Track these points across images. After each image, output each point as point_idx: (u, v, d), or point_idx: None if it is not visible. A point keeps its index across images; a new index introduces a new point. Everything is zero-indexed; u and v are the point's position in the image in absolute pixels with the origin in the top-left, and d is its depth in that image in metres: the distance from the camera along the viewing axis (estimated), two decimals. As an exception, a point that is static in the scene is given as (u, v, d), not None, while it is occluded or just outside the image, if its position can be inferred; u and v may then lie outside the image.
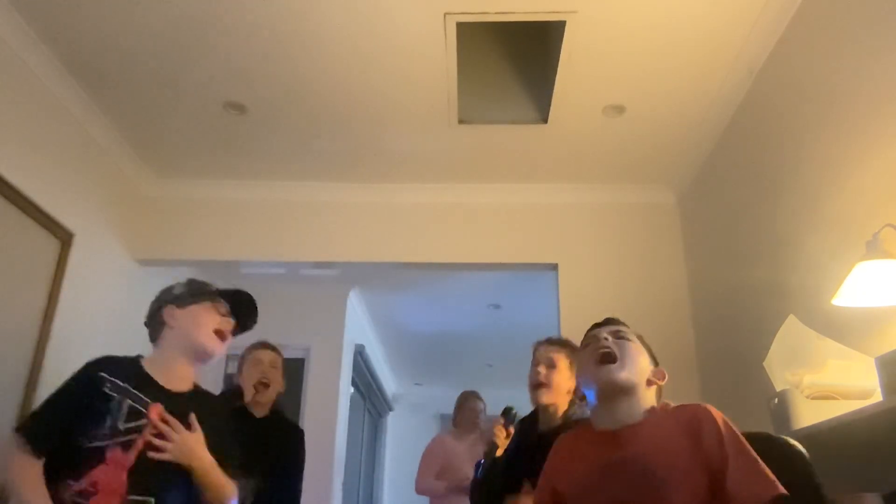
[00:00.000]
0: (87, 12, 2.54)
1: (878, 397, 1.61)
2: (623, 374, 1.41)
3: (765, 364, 2.22)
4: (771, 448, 1.40)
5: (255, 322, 2.04)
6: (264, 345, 2.75)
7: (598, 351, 1.45)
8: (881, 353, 1.59)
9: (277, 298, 4.71)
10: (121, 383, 1.74)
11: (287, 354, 4.78)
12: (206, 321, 1.90)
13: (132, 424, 1.69)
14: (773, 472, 1.24)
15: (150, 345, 1.94)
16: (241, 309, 2.00)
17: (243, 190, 3.80)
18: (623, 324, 1.57)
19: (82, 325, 3.09)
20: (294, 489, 2.64)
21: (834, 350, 1.92)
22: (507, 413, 2.42)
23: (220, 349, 1.91)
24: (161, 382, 1.82)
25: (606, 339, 1.47)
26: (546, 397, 2.12)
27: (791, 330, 2.15)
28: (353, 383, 5.55)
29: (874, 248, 1.68)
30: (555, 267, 3.65)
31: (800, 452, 1.43)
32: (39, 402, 2.74)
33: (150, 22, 2.58)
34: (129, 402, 1.72)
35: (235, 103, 3.08)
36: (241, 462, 2.00)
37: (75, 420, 1.67)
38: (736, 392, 2.87)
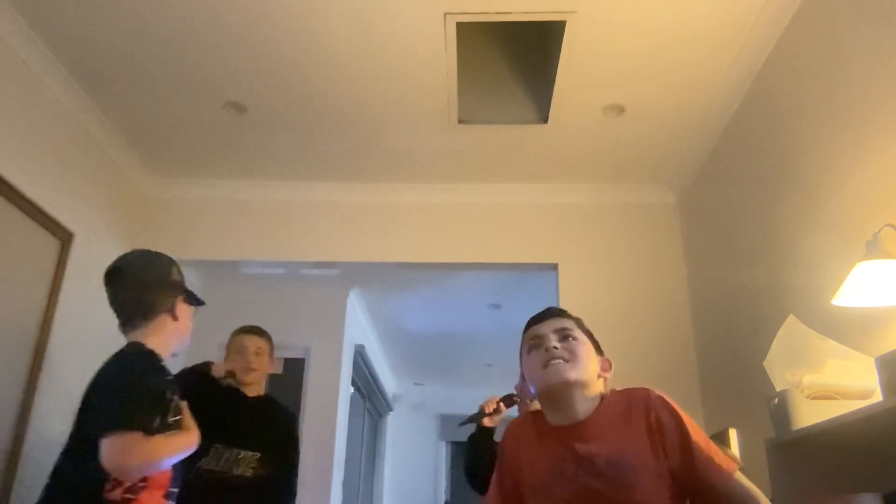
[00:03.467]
0: (87, 13, 2.54)
1: (878, 397, 1.61)
2: (575, 374, 1.39)
3: (765, 364, 2.22)
4: None
5: None
6: (250, 329, 2.70)
7: (548, 363, 1.42)
8: (881, 353, 1.58)
9: (277, 298, 4.73)
10: (171, 378, 1.75)
11: (287, 354, 4.84)
12: (191, 325, 1.95)
13: (175, 418, 1.71)
14: None
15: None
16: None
17: (243, 190, 3.80)
18: (565, 315, 1.52)
19: (82, 325, 3.09)
20: (292, 466, 2.65)
21: (834, 350, 1.92)
22: (509, 397, 2.46)
23: None
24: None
25: (556, 347, 1.43)
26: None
27: (791, 330, 2.15)
28: (353, 383, 5.55)
29: (874, 248, 1.68)
30: (555, 267, 3.65)
31: None
32: (45, 395, 2.76)
33: (150, 22, 2.58)
34: (175, 396, 1.74)
35: (235, 103, 3.08)
36: (234, 436, 2.25)
37: (151, 411, 1.64)
38: (736, 392, 2.87)
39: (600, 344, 1.52)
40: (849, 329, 1.91)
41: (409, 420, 8.35)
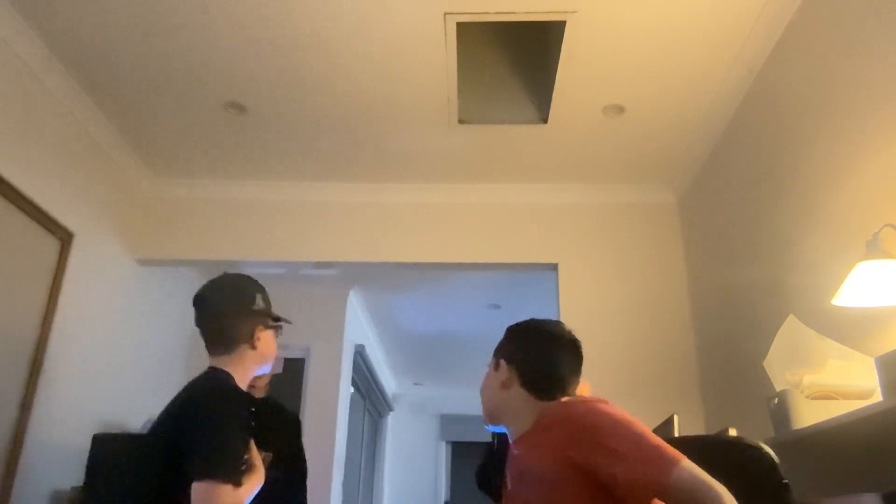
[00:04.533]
0: (87, 12, 2.54)
1: (878, 397, 1.61)
2: (483, 412, 1.53)
3: (765, 364, 2.22)
4: (736, 451, 1.44)
5: None
6: None
7: None
8: (881, 353, 1.58)
9: (277, 298, 4.69)
10: (250, 420, 1.72)
11: (287, 354, 4.83)
12: (275, 347, 1.93)
13: (247, 456, 1.68)
14: (738, 474, 1.23)
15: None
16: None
17: (243, 190, 3.80)
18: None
19: (82, 325, 3.09)
20: (303, 466, 2.66)
21: (834, 350, 1.92)
22: None
23: None
24: None
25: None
26: None
27: (791, 330, 2.15)
28: (353, 383, 5.55)
29: (874, 248, 1.68)
30: (555, 267, 3.66)
31: (765, 454, 1.42)
32: (45, 395, 2.75)
33: (150, 22, 2.58)
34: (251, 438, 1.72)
35: (235, 103, 3.08)
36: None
37: (242, 454, 1.62)
38: (736, 392, 2.87)
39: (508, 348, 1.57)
40: (849, 329, 1.91)
41: (409, 420, 8.36)
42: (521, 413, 1.45)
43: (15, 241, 2.69)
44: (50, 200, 2.86)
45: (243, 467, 1.61)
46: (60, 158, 2.99)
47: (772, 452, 1.43)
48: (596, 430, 1.26)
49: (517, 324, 1.62)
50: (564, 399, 1.42)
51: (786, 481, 1.38)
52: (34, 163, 2.78)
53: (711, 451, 1.34)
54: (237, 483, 1.57)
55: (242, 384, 1.82)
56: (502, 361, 1.53)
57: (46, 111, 2.88)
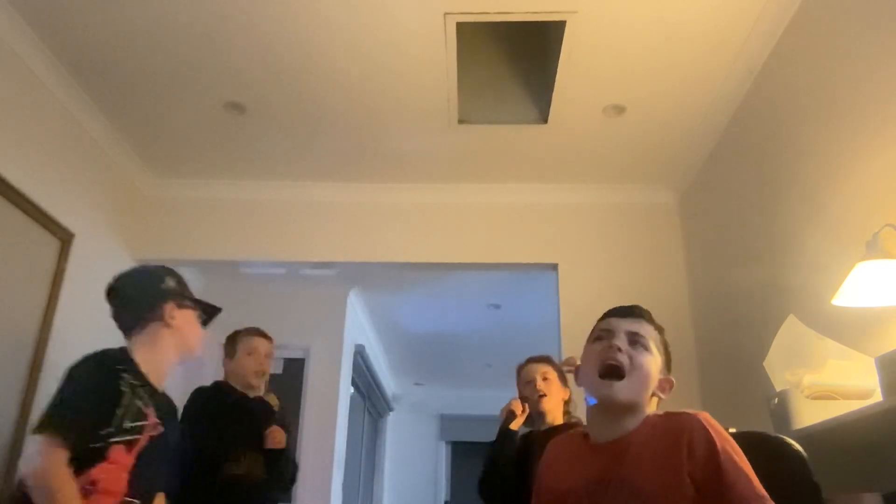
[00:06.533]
0: (87, 13, 2.54)
1: (878, 397, 1.62)
2: (625, 396, 1.29)
3: (765, 364, 2.22)
4: (767, 448, 1.38)
5: None
6: (259, 332, 2.74)
7: (605, 361, 1.31)
8: (881, 353, 1.59)
9: (277, 298, 4.72)
10: (132, 381, 1.71)
11: (287, 354, 4.83)
12: (198, 327, 1.93)
13: (137, 424, 1.67)
14: (769, 472, 1.19)
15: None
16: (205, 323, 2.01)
17: (243, 190, 3.80)
18: (647, 318, 1.39)
19: (82, 325, 3.09)
20: (294, 463, 2.74)
21: (834, 350, 1.92)
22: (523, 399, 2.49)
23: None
24: (153, 382, 1.80)
25: (619, 348, 1.31)
26: (547, 404, 2.38)
27: (791, 330, 2.15)
28: (353, 383, 5.55)
29: (874, 248, 1.68)
30: (555, 267, 3.65)
31: (797, 452, 1.39)
32: (45, 395, 2.76)
33: (150, 22, 2.58)
34: (137, 400, 1.70)
35: (235, 103, 3.08)
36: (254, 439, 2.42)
37: (93, 414, 1.62)
38: (736, 392, 2.87)
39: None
40: (849, 329, 1.91)
41: (409, 420, 8.35)
42: (634, 421, 1.29)
43: (15, 241, 2.69)
44: (50, 200, 2.86)
45: (109, 430, 1.59)
46: (60, 158, 2.99)
47: (800, 448, 1.38)
48: (718, 454, 1.17)
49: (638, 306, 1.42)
50: (677, 411, 1.28)
51: (816, 480, 1.32)
52: (34, 163, 2.78)
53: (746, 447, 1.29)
54: (68, 439, 1.54)
55: (159, 365, 1.81)
56: (654, 346, 1.34)
57: (47, 111, 2.88)
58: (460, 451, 8.50)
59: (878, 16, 1.87)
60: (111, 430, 1.62)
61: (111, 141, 3.33)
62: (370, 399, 6.92)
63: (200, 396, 2.57)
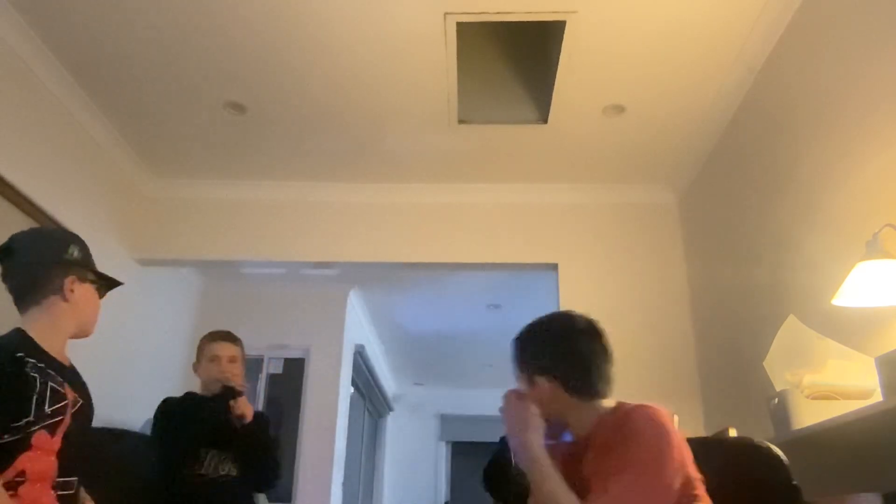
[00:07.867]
0: (87, 13, 2.54)
1: (878, 397, 1.61)
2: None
3: (765, 364, 2.22)
4: (755, 454, 1.47)
5: None
6: (222, 336, 2.60)
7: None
8: (881, 353, 1.59)
9: (277, 298, 4.73)
10: (39, 364, 1.61)
11: (287, 354, 4.84)
12: (97, 304, 1.82)
13: (56, 406, 1.59)
14: (757, 477, 1.25)
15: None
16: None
17: (243, 190, 3.80)
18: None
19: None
20: (275, 460, 2.63)
21: (834, 350, 1.92)
22: None
23: None
24: (57, 357, 1.70)
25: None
26: None
27: (791, 330, 2.15)
28: (353, 383, 5.55)
29: (874, 248, 1.68)
30: (555, 267, 3.65)
31: (780, 458, 1.47)
32: None
33: (150, 23, 2.58)
34: (51, 383, 1.61)
35: (235, 103, 3.08)
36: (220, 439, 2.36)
37: (9, 412, 1.52)
38: (736, 392, 2.87)
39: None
40: (849, 329, 1.91)
41: (409, 420, 8.36)
42: (583, 420, 1.38)
43: (15, 241, 2.69)
44: (50, 200, 2.85)
45: (28, 419, 1.51)
46: (60, 158, 2.98)
47: (781, 453, 1.43)
48: (628, 445, 1.23)
49: (529, 330, 1.50)
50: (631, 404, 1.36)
51: (795, 482, 1.37)
52: (34, 163, 2.78)
53: (719, 453, 1.33)
54: None
55: (54, 341, 1.70)
56: (536, 377, 1.41)
57: (47, 111, 2.88)
58: (460, 451, 8.51)
59: (878, 16, 1.87)
60: (30, 419, 1.54)
61: (111, 141, 3.33)
62: (370, 399, 6.92)
63: (164, 403, 2.50)
